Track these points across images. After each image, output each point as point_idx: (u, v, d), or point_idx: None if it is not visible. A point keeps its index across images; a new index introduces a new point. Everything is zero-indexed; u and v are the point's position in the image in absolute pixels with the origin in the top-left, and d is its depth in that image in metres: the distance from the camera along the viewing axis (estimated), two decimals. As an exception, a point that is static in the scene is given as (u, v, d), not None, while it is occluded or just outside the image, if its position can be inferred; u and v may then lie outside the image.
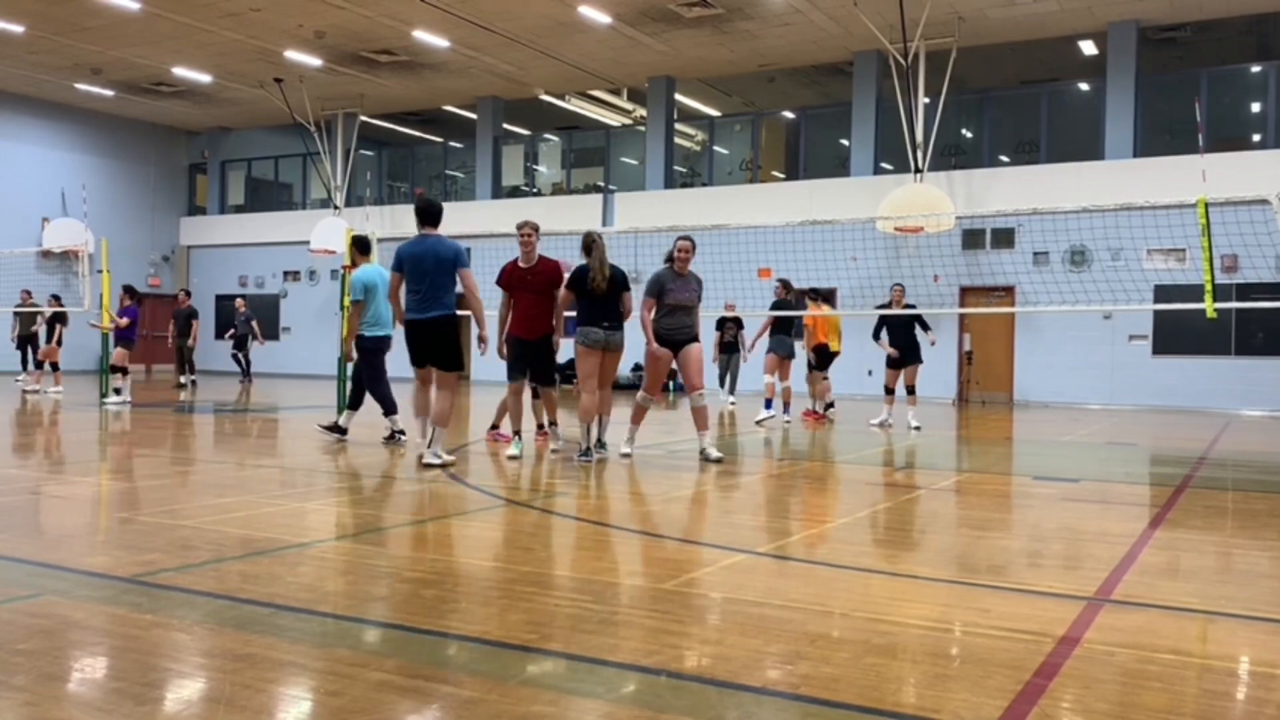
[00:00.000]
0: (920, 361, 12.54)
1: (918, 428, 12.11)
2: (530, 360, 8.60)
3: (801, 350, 13.89)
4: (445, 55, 22.05)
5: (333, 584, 4.12)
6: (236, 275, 29.13)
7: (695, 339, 8.73)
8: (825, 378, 13.59)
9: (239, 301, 22.65)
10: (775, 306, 13.19)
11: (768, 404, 12.98)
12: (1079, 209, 11.76)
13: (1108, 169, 18.89)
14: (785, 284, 13.24)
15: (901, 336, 12.42)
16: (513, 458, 8.27)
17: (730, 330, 15.83)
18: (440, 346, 8.01)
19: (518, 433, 8.49)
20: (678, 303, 8.60)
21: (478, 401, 18.36)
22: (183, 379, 19.68)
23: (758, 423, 12.64)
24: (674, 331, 8.61)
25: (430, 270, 7.92)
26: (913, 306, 12.78)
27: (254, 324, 21.87)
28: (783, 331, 13.13)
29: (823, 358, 13.53)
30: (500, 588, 4.05)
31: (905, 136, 19.87)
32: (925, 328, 12.53)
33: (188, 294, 20.65)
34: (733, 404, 15.70)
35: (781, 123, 24.90)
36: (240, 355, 21.92)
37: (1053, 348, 18.91)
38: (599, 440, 8.57)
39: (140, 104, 26.85)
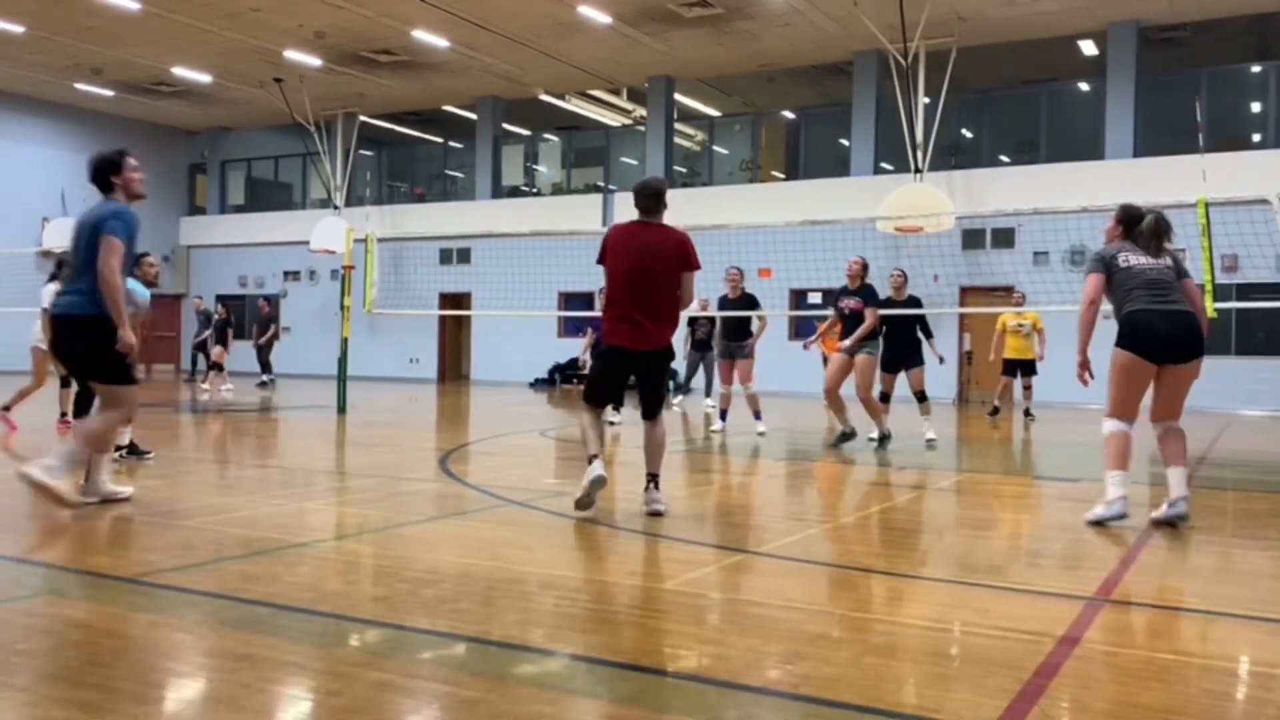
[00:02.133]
0: (922, 363, 10.63)
1: (932, 440, 10.32)
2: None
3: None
4: (445, 55, 22.05)
5: (333, 584, 4.12)
6: (236, 275, 29.13)
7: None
8: None
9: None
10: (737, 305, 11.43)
11: (724, 415, 11.55)
12: (1079, 209, 11.75)
13: (1108, 169, 18.88)
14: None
15: (901, 334, 10.42)
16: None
17: (703, 328, 14.33)
18: (78, 354, 5.73)
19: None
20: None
21: (477, 402, 18.37)
22: (265, 378, 20.47)
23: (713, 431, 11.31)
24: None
25: (80, 243, 5.56)
26: (918, 303, 11.03)
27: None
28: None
29: None
30: (500, 588, 4.05)
31: (905, 136, 19.87)
32: (927, 334, 10.74)
33: (268, 300, 21.61)
34: (711, 406, 13.88)
35: (781, 123, 24.90)
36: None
37: (1052, 348, 18.88)
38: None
39: (140, 104, 26.85)
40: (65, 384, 10.50)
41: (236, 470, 8.00)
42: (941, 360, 11.65)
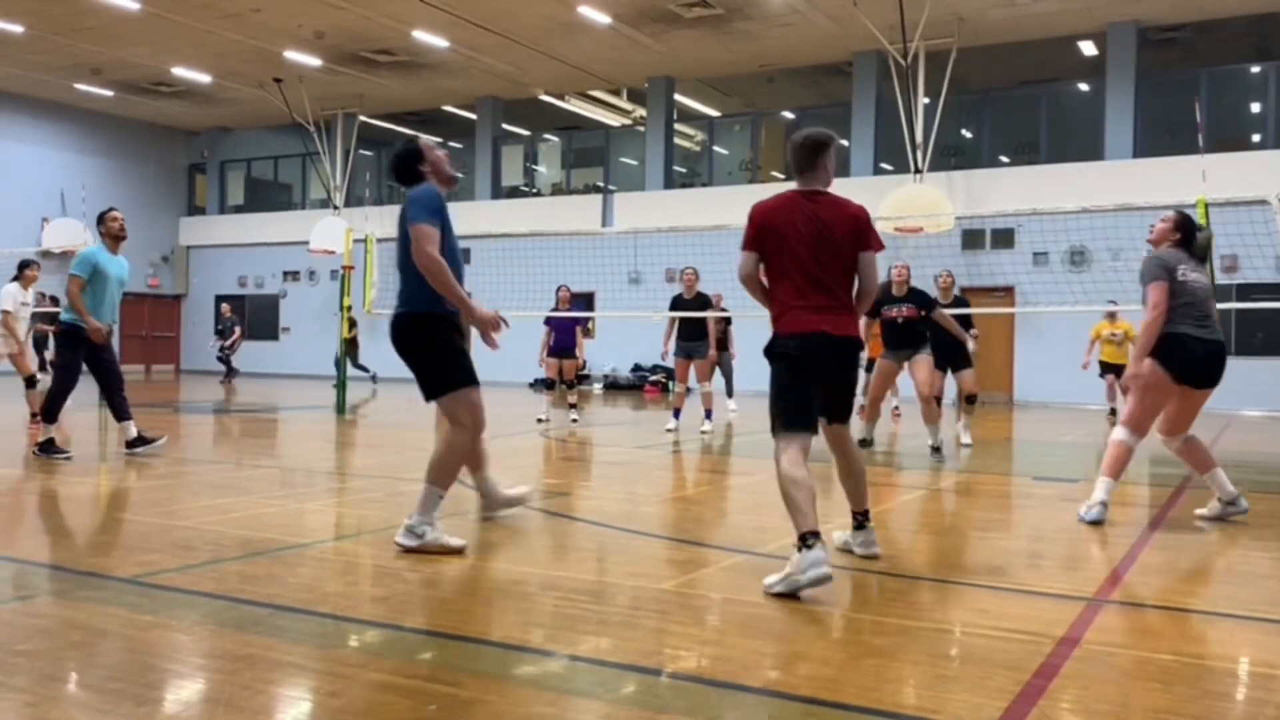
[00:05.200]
0: (972, 365, 10.34)
1: (968, 444, 10.16)
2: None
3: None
4: (444, 55, 22.04)
5: (333, 584, 4.12)
6: (236, 275, 29.11)
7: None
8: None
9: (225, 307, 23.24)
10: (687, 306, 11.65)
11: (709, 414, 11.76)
12: (1079, 209, 11.75)
13: (1107, 169, 18.89)
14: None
15: (949, 335, 10.11)
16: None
17: (719, 327, 13.23)
18: None
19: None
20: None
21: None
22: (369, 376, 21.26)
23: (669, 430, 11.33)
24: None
25: None
26: (964, 303, 10.86)
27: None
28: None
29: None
30: (500, 588, 4.05)
31: (905, 137, 19.87)
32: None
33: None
34: (733, 410, 13.75)
35: (781, 123, 24.89)
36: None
37: (1053, 348, 18.89)
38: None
39: (139, 104, 26.84)
40: (31, 384, 10.58)
41: (236, 470, 7.99)
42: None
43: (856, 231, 4.37)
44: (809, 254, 4.30)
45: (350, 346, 21.03)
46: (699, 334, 11.53)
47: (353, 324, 21.24)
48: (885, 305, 9.27)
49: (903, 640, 3.40)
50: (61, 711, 2.64)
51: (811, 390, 4.33)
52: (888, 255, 11.46)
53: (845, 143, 22.21)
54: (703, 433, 11.20)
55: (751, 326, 15.59)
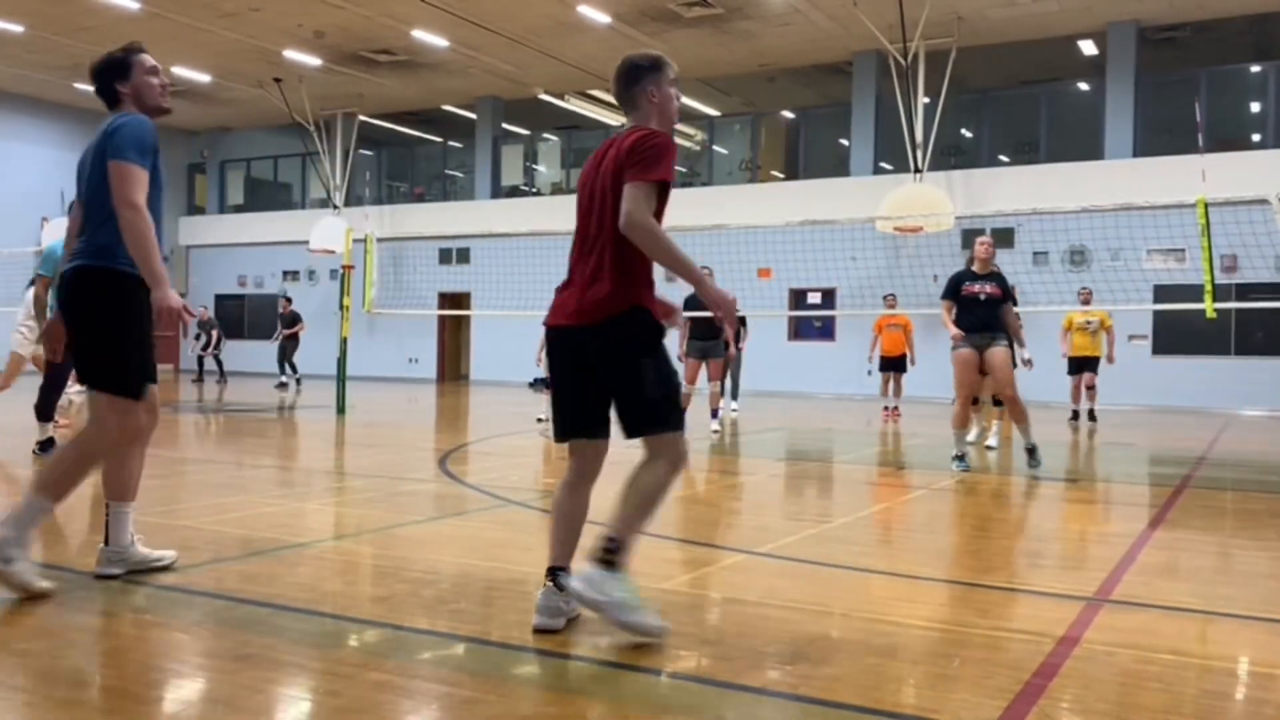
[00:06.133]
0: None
1: (993, 447, 9.90)
2: None
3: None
4: (444, 55, 22.04)
5: (333, 584, 4.12)
6: (236, 275, 29.10)
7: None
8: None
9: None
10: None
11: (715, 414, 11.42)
12: (1079, 209, 11.75)
13: (1107, 169, 18.88)
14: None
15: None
16: None
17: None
18: None
19: None
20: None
21: (477, 402, 18.35)
22: (284, 379, 20.66)
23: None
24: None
25: None
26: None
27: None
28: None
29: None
30: (500, 588, 4.05)
31: (905, 136, 19.87)
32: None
33: (289, 300, 22.15)
34: (735, 409, 14.12)
35: (781, 123, 24.89)
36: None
37: (1053, 348, 18.87)
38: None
39: (140, 104, 26.83)
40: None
41: (236, 470, 7.99)
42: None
43: (619, 162, 3.23)
44: (582, 213, 3.43)
45: (291, 342, 21.01)
46: (714, 333, 11.19)
47: (297, 319, 21.29)
48: (966, 281, 8.20)
49: (903, 640, 3.40)
50: (61, 711, 2.63)
51: (575, 390, 3.50)
52: (888, 254, 11.50)
53: (845, 142, 22.22)
54: (714, 432, 11.08)
55: (755, 326, 15.62)
